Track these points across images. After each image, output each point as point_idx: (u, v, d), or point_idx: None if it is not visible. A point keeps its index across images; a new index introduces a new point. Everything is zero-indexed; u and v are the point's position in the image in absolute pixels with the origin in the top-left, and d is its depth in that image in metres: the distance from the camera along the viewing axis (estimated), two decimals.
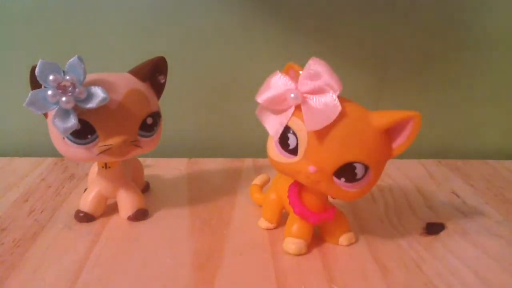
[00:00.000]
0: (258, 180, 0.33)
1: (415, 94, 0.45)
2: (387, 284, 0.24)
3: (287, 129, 0.23)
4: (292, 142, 0.24)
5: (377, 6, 0.42)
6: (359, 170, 0.23)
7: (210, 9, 0.41)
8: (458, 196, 0.36)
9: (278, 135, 0.24)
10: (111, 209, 0.31)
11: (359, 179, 0.23)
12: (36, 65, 0.23)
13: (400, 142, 0.24)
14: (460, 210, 0.34)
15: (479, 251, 0.28)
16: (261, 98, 0.24)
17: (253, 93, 0.45)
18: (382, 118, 0.23)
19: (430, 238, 0.29)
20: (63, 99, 0.23)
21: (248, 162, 0.42)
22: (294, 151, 0.24)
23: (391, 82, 0.44)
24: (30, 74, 0.24)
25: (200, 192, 0.36)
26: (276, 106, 0.24)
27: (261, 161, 0.42)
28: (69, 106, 0.23)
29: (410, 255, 0.27)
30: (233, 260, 0.26)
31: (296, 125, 0.23)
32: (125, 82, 0.26)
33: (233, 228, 0.30)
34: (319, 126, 0.22)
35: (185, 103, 0.45)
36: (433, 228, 0.30)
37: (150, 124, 0.27)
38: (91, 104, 0.24)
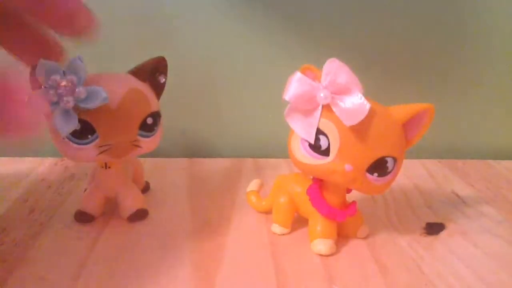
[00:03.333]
0: (254, 186, 0.33)
1: (415, 94, 0.45)
2: (387, 284, 0.24)
3: (317, 131, 0.24)
4: (323, 143, 0.24)
5: (376, 5, 0.42)
6: (390, 164, 0.24)
7: (212, 8, 0.41)
8: (458, 196, 0.36)
9: (313, 138, 0.24)
10: (111, 209, 0.31)
11: (390, 172, 0.25)
12: (35, 65, 0.23)
13: (414, 134, 0.25)
14: (460, 210, 0.34)
15: (479, 251, 0.28)
16: (289, 95, 0.24)
17: (253, 94, 0.46)
18: (402, 111, 0.25)
19: (430, 238, 0.29)
20: (63, 99, 0.23)
21: (248, 162, 0.42)
22: (326, 152, 0.24)
23: (390, 82, 0.44)
24: (29, 74, 0.24)
25: (200, 192, 0.36)
26: (304, 105, 0.24)
27: (261, 161, 0.42)
28: (69, 106, 0.23)
29: (410, 255, 0.27)
30: (233, 260, 0.26)
31: (326, 126, 0.24)
32: (125, 82, 0.26)
33: (233, 228, 0.30)
34: (354, 121, 0.23)
35: (185, 103, 0.45)
36: (433, 228, 0.30)
37: (150, 124, 0.27)
38: (91, 104, 0.24)
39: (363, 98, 0.23)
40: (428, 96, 0.45)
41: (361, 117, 0.22)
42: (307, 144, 0.24)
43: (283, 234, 0.29)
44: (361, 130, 0.23)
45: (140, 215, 0.30)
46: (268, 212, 0.31)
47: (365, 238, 0.29)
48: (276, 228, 0.29)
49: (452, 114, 0.46)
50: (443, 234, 0.30)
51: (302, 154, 0.25)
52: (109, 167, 0.29)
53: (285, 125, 0.25)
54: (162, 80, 0.29)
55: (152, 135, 0.27)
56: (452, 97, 0.46)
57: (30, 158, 0.41)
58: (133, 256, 0.26)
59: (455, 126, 0.47)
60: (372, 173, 0.24)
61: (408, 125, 0.25)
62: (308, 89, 0.23)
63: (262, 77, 0.44)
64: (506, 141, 0.48)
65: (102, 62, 0.40)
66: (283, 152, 0.27)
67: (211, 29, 0.42)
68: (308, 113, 0.24)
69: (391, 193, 0.36)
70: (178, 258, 0.26)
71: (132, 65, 0.28)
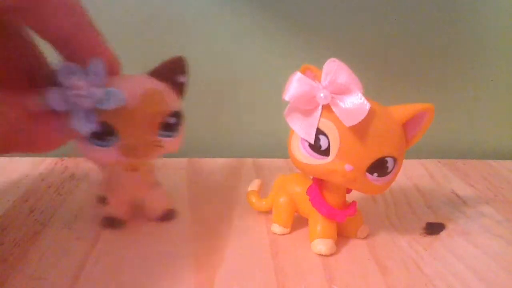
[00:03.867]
0: (254, 186, 0.33)
1: (415, 94, 0.45)
2: (387, 284, 0.24)
3: (317, 131, 0.24)
4: (323, 143, 0.24)
5: (376, 5, 0.42)
6: (390, 164, 0.24)
7: (212, 8, 0.41)
8: (458, 196, 0.36)
9: (313, 138, 0.24)
10: None
11: (389, 172, 0.25)
12: (55, 67, 0.23)
13: (414, 133, 0.25)
14: (460, 210, 0.34)
15: (479, 251, 0.28)
16: (289, 95, 0.24)
17: (253, 94, 0.46)
18: (402, 111, 0.24)
19: (430, 238, 0.29)
20: (83, 100, 0.23)
21: (248, 162, 0.42)
22: (326, 152, 0.24)
23: (390, 82, 0.44)
24: (48, 76, 0.23)
25: (200, 192, 0.36)
26: (304, 105, 0.24)
27: (261, 161, 0.42)
28: (88, 107, 0.23)
29: (410, 255, 0.27)
30: (233, 260, 0.26)
31: (326, 126, 0.24)
32: (143, 83, 0.26)
33: (233, 228, 0.30)
34: (354, 121, 0.23)
35: (185, 103, 0.44)
36: (433, 228, 0.30)
37: (171, 124, 0.27)
38: (109, 105, 0.23)
39: (363, 98, 0.23)
40: (428, 96, 0.45)
41: (361, 117, 0.22)
42: (307, 144, 0.24)
43: (283, 234, 0.29)
44: (361, 130, 0.23)
45: (169, 215, 0.30)
46: (268, 212, 0.31)
47: (365, 238, 0.29)
48: (276, 228, 0.29)
49: (452, 114, 0.46)
50: (443, 234, 0.30)
51: (302, 154, 0.25)
52: (134, 170, 0.29)
53: (285, 125, 0.25)
54: (181, 79, 0.28)
55: (174, 135, 0.27)
56: (452, 97, 0.46)
57: (30, 158, 0.41)
58: (132, 256, 0.26)
59: (455, 126, 0.47)
60: (372, 173, 0.24)
61: (408, 125, 0.25)
62: (308, 89, 0.24)
63: (262, 77, 0.44)
64: (506, 141, 0.48)
65: None
66: (283, 152, 0.27)
67: (210, 30, 0.42)
68: (308, 113, 0.24)
69: (391, 193, 0.36)
70: (178, 258, 0.26)
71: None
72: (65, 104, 0.23)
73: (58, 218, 0.30)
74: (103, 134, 0.24)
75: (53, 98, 0.23)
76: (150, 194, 0.30)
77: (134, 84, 0.25)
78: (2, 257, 0.26)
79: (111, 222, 0.29)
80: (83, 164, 0.40)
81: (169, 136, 0.27)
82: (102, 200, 0.31)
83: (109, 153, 0.25)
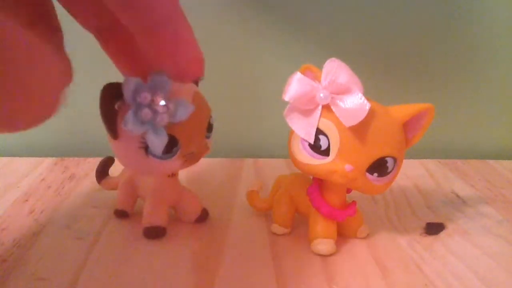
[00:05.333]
0: (254, 186, 0.32)
1: (415, 94, 0.45)
2: (387, 284, 0.24)
3: (317, 131, 0.24)
4: (323, 143, 0.24)
5: (376, 5, 0.42)
6: (390, 164, 0.24)
7: (214, 8, 0.41)
8: (458, 196, 0.36)
9: (313, 138, 0.24)
10: (110, 209, 0.31)
11: (389, 172, 0.25)
12: (109, 84, 0.21)
13: (415, 133, 0.25)
14: (460, 210, 0.34)
15: (479, 251, 0.28)
16: (289, 96, 0.24)
17: (253, 94, 0.46)
18: (402, 111, 0.25)
19: (430, 238, 0.29)
20: (158, 117, 0.22)
21: (248, 162, 0.42)
22: (326, 152, 0.24)
23: (390, 82, 0.44)
24: (103, 93, 0.22)
25: (200, 192, 0.35)
26: (304, 105, 0.24)
27: (261, 161, 0.42)
28: (165, 123, 0.22)
29: (410, 255, 0.27)
30: (233, 260, 0.26)
31: (326, 126, 0.24)
32: (188, 87, 0.25)
33: (233, 228, 0.30)
34: (354, 121, 0.23)
35: None
36: (433, 228, 0.30)
37: (212, 124, 0.27)
38: (181, 117, 0.23)
39: (363, 98, 0.23)
40: (428, 96, 0.45)
41: (361, 117, 0.22)
42: (307, 144, 0.24)
43: (283, 234, 0.29)
44: (361, 130, 0.23)
45: (205, 215, 0.30)
46: (268, 212, 0.31)
47: (365, 238, 0.29)
48: (276, 228, 0.29)
49: (452, 114, 0.46)
50: (443, 234, 0.30)
51: (302, 154, 0.25)
52: (174, 175, 0.29)
53: (285, 125, 0.25)
54: (200, 79, 0.28)
55: (211, 135, 0.27)
56: (452, 97, 0.46)
57: (30, 158, 0.41)
58: (132, 256, 0.26)
59: (455, 126, 0.47)
60: (372, 173, 0.24)
61: (408, 125, 0.25)
62: (308, 89, 0.23)
63: (262, 77, 0.44)
64: (506, 141, 0.48)
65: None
66: (283, 152, 0.27)
67: (212, 29, 0.42)
68: (308, 113, 0.24)
69: (391, 193, 0.36)
70: (178, 258, 0.26)
71: None
72: (141, 125, 0.22)
73: (58, 218, 0.30)
74: (168, 146, 0.23)
75: (132, 122, 0.21)
76: (184, 197, 0.30)
77: (183, 89, 0.24)
78: (2, 257, 0.26)
79: (156, 232, 0.28)
80: (83, 164, 0.40)
81: (210, 137, 0.27)
82: (122, 214, 0.30)
83: (173, 164, 0.24)
